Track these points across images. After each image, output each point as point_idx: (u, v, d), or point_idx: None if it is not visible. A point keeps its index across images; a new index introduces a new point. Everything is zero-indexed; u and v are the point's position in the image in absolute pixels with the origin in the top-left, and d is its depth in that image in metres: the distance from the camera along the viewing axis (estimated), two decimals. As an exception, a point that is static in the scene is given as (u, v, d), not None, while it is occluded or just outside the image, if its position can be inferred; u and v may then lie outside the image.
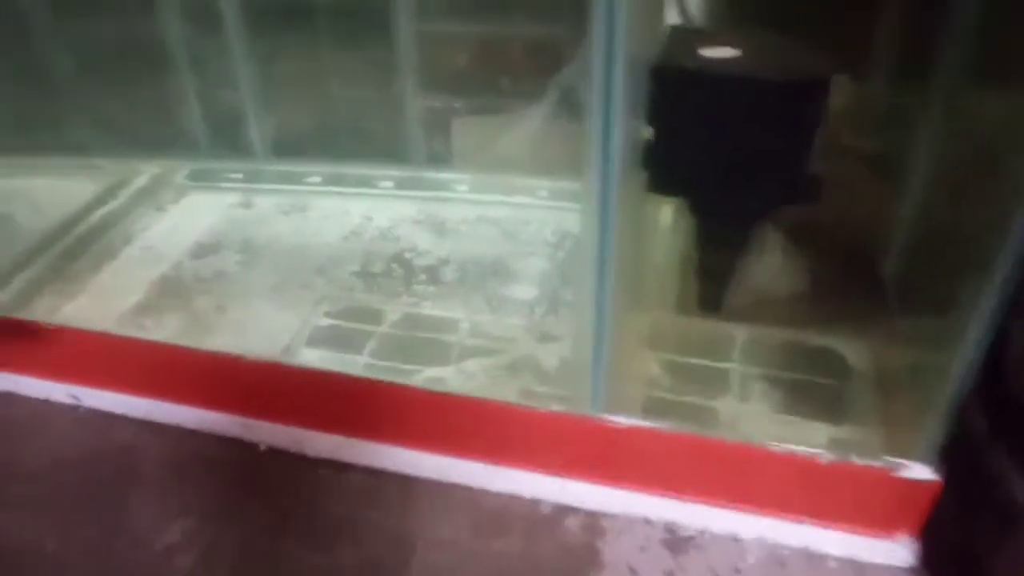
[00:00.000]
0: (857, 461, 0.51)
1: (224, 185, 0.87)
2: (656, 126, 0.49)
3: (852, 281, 0.63)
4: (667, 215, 0.68)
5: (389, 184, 0.86)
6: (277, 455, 0.65)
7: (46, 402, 0.69)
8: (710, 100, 0.48)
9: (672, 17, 0.55)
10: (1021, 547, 0.46)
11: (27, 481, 0.63)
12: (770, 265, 0.62)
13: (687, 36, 0.50)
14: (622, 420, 0.55)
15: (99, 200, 0.81)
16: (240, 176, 0.87)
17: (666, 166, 0.50)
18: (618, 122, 0.43)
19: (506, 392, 0.62)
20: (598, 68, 0.42)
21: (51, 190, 0.84)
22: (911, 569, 0.54)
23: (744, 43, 0.49)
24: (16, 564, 0.57)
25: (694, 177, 0.51)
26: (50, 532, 0.60)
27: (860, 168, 0.60)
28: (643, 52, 0.45)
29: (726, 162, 0.50)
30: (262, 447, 0.66)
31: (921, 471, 0.51)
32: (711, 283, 0.59)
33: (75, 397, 0.68)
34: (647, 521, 0.58)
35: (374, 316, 0.69)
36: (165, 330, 0.67)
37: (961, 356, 0.46)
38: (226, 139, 0.88)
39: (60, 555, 0.58)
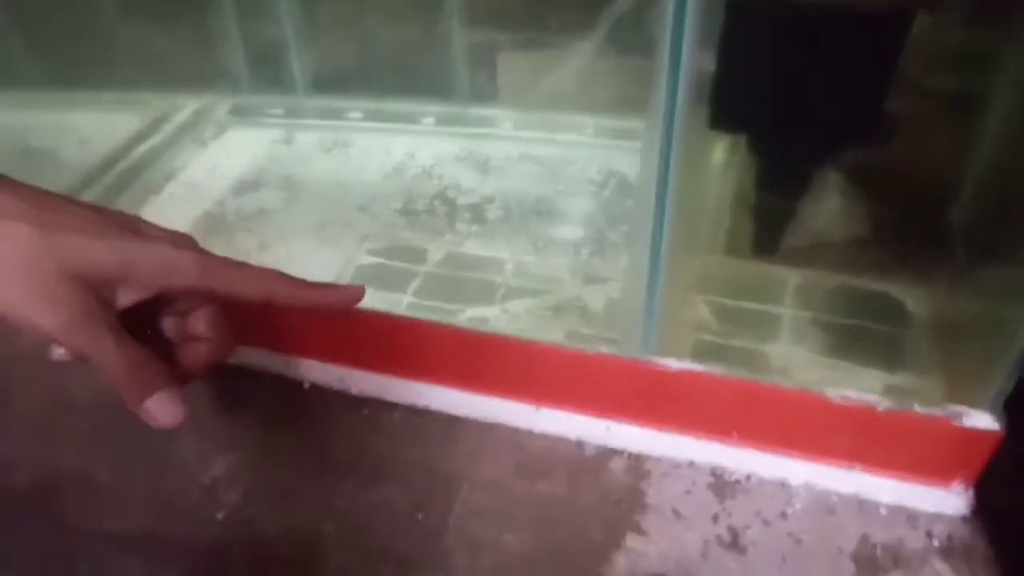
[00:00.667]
0: (917, 409, 0.50)
1: (265, 120, 0.86)
2: (721, 56, 0.47)
3: (916, 226, 0.60)
4: (720, 152, 0.66)
5: (431, 120, 0.84)
6: (320, 393, 0.65)
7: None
8: (783, 29, 0.45)
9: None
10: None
11: (77, 414, 0.64)
12: (829, 207, 0.60)
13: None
14: (673, 363, 0.54)
15: (142, 135, 0.81)
16: (281, 112, 0.86)
17: (730, 100, 0.47)
18: (688, 52, 0.41)
19: (552, 333, 0.61)
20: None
21: (95, 125, 0.84)
22: (964, 518, 0.53)
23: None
24: (70, 493, 0.58)
25: (760, 113, 0.48)
26: (101, 463, 0.60)
27: (931, 107, 0.57)
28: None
29: (796, 98, 0.47)
30: (305, 385, 0.66)
31: (983, 420, 0.49)
32: (768, 225, 0.57)
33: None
34: (692, 464, 0.58)
35: (417, 255, 0.69)
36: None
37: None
38: (267, 74, 0.87)
39: (111, 486, 0.59)
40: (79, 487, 0.59)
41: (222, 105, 0.88)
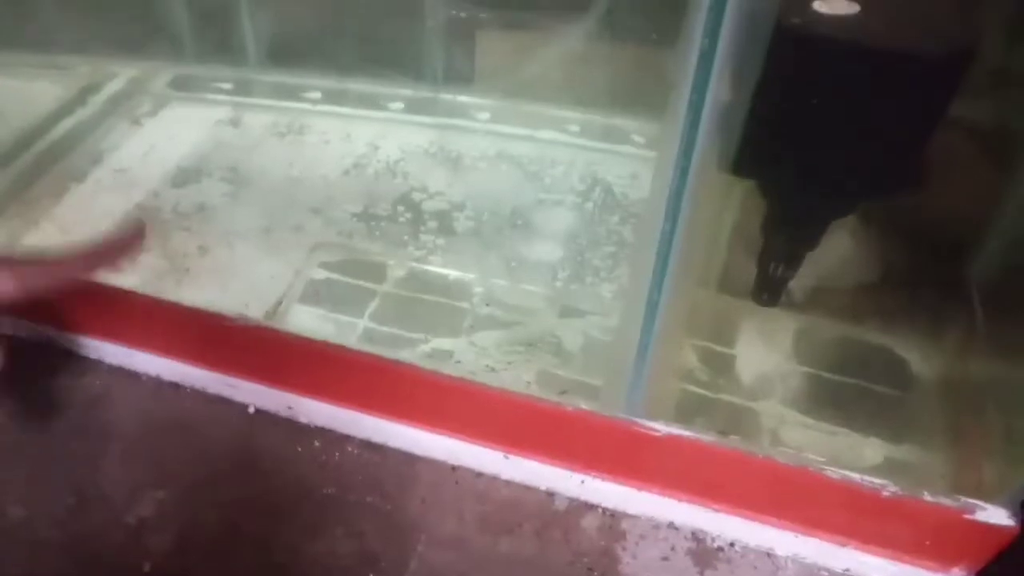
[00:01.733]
0: (927, 497, 0.45)
1: (210, 96, 0.76)
2: (757, 99, 0.39)
3: (931, 276, 0.55)
4: (721, 179, 0.59)
5: (400, 106, 0.75)
6: (266, 420, 0.59)
7: (13, 338, 0.62)
8: (821, 69, 0.38)
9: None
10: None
11: (-14, 432, 0.57)
12: (837, 250, 0.54)
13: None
14: (660, 427, 0.49)
15: (65, 108, 0.71)
16: (229, 86, 0.77)
17: (753, 144, 0.40)
18: (715, 86, 0.34)
19: (523, 372, 0.55)
20: (701, 11, 0.32)
21: (11, 93, 0.73)
22: (961, 605, 0.49)
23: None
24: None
25: (785, 159, 0.41)
26: (11, 493, 0.54)
27: (964, 144, 0.51)
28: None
29: (827, 144, 0.40)
30: (250, 409, 0.59)
31: (997, 515, 0.45)
32: (773, 275, 0.51)
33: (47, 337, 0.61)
34: (672, 526, 0.53)
35: (376, 271, 0.61)
36: (139, 271, 0.59)
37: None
38: (215, 41, 0.77)
39: (22, 521, 0.53)
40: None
41: (161, 76, 0.78)
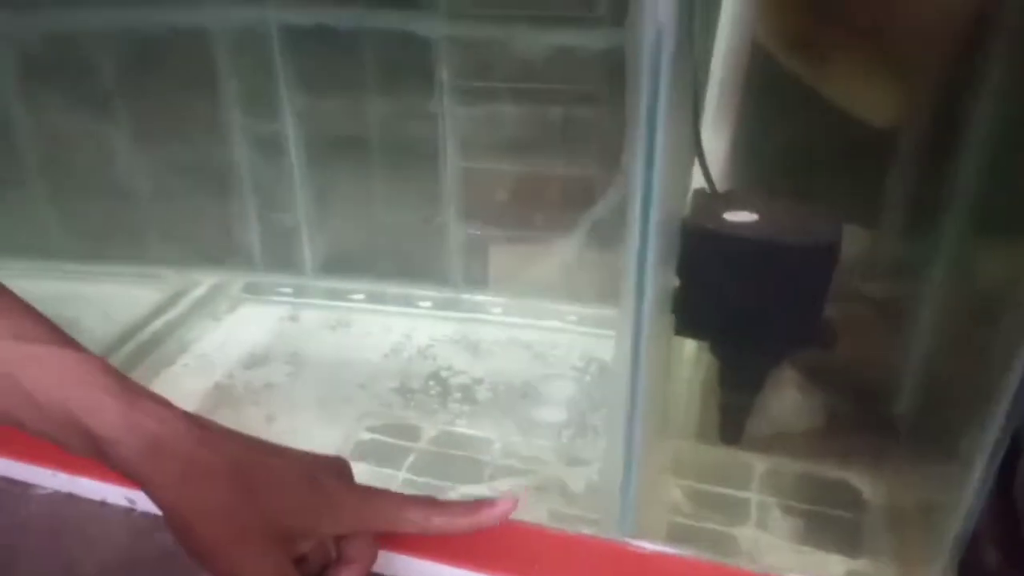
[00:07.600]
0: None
1: (275, 298, 0.93)
2: (683, 277, 0.55)
3: (865, 418, 0.67)
4: (690, 349, 0.73)
5: (428, 304, 0.92)
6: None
7: (103, 504, 0.72)
8: (732, 259, 0.54)
9: (696, 182, 0.62)
10: None
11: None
12: (787, 401, 0.66)
13: (710, 200, 0.57)
14: (647, 546, 0.58)
15: (161, 308, 0.88)
16: (290, 290, 0.94)
17: (691, 312, 0.55)
18: (651, 273, 0.49)
19: (535, 512, 0.65)
20: (635, 226, 0.48)
21: (117, 297, 0.91)
22: None
23: (762, 207, 0.56)
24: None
25: (717, 323, 0.56)
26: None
27: (871, 312, 0.65)
28: (672, 213, 0.51)
29: (746, 312, 0.55)
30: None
31: (933, 608, 0.53)
32: (731, 418, 0.63)
33: (130, 500, 0.71)
34: (667, 646, 0.60)
35: (412, 432, 0.74)
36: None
37: (966, 497, 0.49)
38: (279, 256, 0.95)
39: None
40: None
41: (237, 282, 0.96)
